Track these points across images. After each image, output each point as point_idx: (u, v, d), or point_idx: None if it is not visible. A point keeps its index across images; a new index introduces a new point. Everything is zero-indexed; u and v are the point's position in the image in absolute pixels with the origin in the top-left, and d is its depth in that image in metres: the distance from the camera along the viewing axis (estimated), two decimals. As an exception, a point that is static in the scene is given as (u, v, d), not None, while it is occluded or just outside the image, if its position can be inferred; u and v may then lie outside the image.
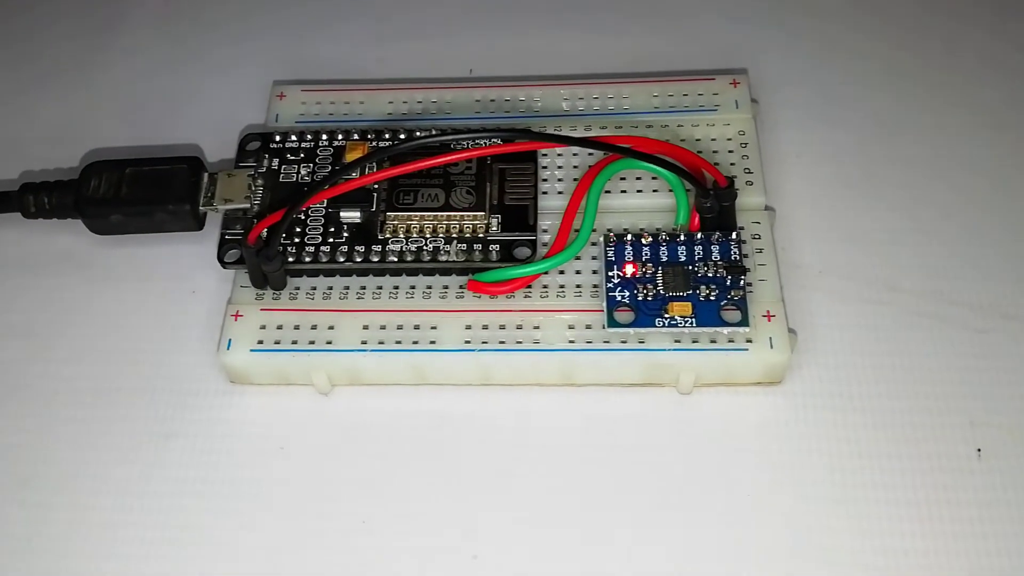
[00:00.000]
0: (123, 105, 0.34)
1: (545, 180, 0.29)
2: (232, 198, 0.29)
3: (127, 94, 0.34)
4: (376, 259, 0.27)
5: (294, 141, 0.30)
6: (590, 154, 0.29)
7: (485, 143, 0.28)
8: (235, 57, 0.35)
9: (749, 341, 0.26)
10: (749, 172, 0.29)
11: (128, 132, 0.33)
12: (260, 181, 0.29)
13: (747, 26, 0.34)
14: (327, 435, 0.27)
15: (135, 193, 0.29)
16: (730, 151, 0.30)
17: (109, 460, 0.27)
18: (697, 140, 0.30)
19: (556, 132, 0.29)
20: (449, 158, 0.26)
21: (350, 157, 0.29)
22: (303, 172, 0.29)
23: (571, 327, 0.27)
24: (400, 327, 0.27)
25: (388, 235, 0.28)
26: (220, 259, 0.28)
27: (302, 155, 0.30)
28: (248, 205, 0.29)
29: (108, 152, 0.32)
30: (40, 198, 0.30)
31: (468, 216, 0.28)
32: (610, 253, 0.27)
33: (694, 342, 0.26)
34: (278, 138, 0.30)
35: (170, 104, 0.34)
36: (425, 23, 0.35)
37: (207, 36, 0.36)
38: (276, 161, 0.29)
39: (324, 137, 0.30)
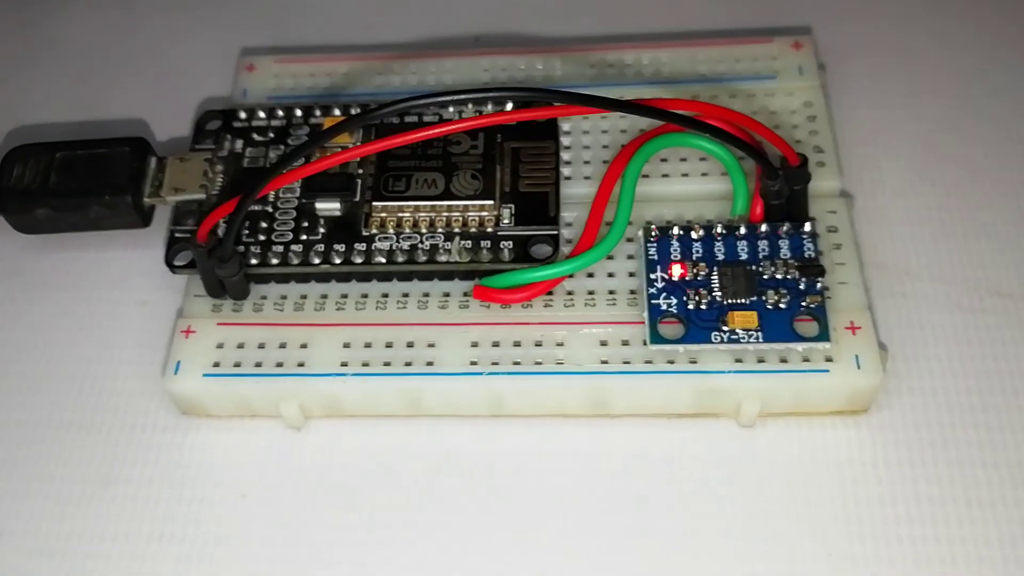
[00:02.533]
0: (56, 73, 0.32)
1: (569, 162, 0.27)
2: (184, 187, 0.27)
3: (61, 60, 0.33)
4: (360, 261, 0.25)
5: (262, 119, 0.28)
6: (623, 131, 0.27)
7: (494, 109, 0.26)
8: (196, 19, 0.33)
9: (829, 360, 0.24)
10: (819, 151, 0.27)
11: (62, 107, 0.31)
12: (219, 167, 0.27)
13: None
14: (299, 479, 0.25)
15: (66, 182, 0.27)
16: (794, 126, 0.27)
17: (35, 512, 0.25)
18: (753, 113, 0.27)
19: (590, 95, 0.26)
20: (449, 128, 0.24)
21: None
22: (272, 156, 0.27)
23: (603, 344, 0.25)
24: (390, 345, 0.25)
25: (375, 231, 0.26)
26: (168, 262, 0.26)
27: (272, 135, 0.28)
28: (203, 196, 0.27)
29: (37, 131, 0.31)
30: (-48, 190, 0.28)
31: (474, 206, 0.26)
32: (652, 251, 0.25)
33: (760, 362, 0.24)
34: (243, 115, 0.28)
35: (114, 73, 0.32)
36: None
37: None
38: (240, 143, 0.27)
39: (298, 114, 0.28)
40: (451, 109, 0.27)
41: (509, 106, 0.26)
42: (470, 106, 0.27)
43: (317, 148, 0.26)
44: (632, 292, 0.25)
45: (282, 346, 0.25)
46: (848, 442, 0.24)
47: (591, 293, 0.25)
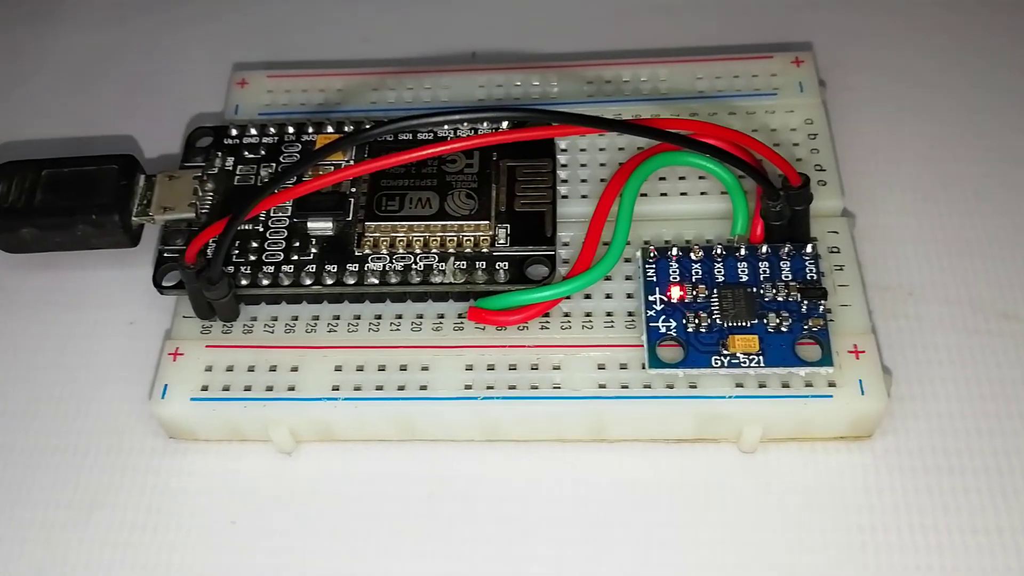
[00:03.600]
0: (44, 89, 0.32)
1: (566, 181, 0.27)
2: (173, 206, 0.26)
3: (49, 75, 0.33)
4: (352, 282, 0.25)
5: (254, 136, 0.28)
6: (620, 148, 0.27)
7: (490, 128, 0.26)
8: (187, 34, 0.33)
9: (832, 385, 0.24)
10: (820, 169, 0.27)
11: (49, 123, 0.31)
12: (209, 185, 0.27)
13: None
14: (290, 505, 0.25)
15: (52, 201, 0.27)
16: (795, 144, 0.27)
17: (19, 538, 0.25)
18: (753, 131, 0.28)
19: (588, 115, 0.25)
20: (444, 148, 0.24)
21: (322, 155, 0.27)
22: (264, 174, 0.27)
23: (601, 367, 0.25)
24: (382, 368, 0.25)
25: (368, 251, 0.26)
26: (156, 282, 0.26)
27: (263, 152, 0.27)
28: (193, 215, 0.26)
29: (24, 148, 0.31)
30: (-64, 208, 0.27)
31: (469, 226, 0.26)
32: (650, 272, 0.25)
33: (761, 387, 0.24)
34: (234, 132, 0.28)
35: (103, 89, 0.32)
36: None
37: (153, 7, 0.34)
38: (231, 160, 0.27)
39: (291, 130, 0.28)
40: (446, 128, 0.26)
41: (505, 124, 0.26)
42: (465, 124, 0.26)
43: (309, 168, 0.25)
44: (630, 314, 0.25)
45: (272, 369, 0.25)
46: (852, 468, 0.24)
47: (588, 315, 0.25)
